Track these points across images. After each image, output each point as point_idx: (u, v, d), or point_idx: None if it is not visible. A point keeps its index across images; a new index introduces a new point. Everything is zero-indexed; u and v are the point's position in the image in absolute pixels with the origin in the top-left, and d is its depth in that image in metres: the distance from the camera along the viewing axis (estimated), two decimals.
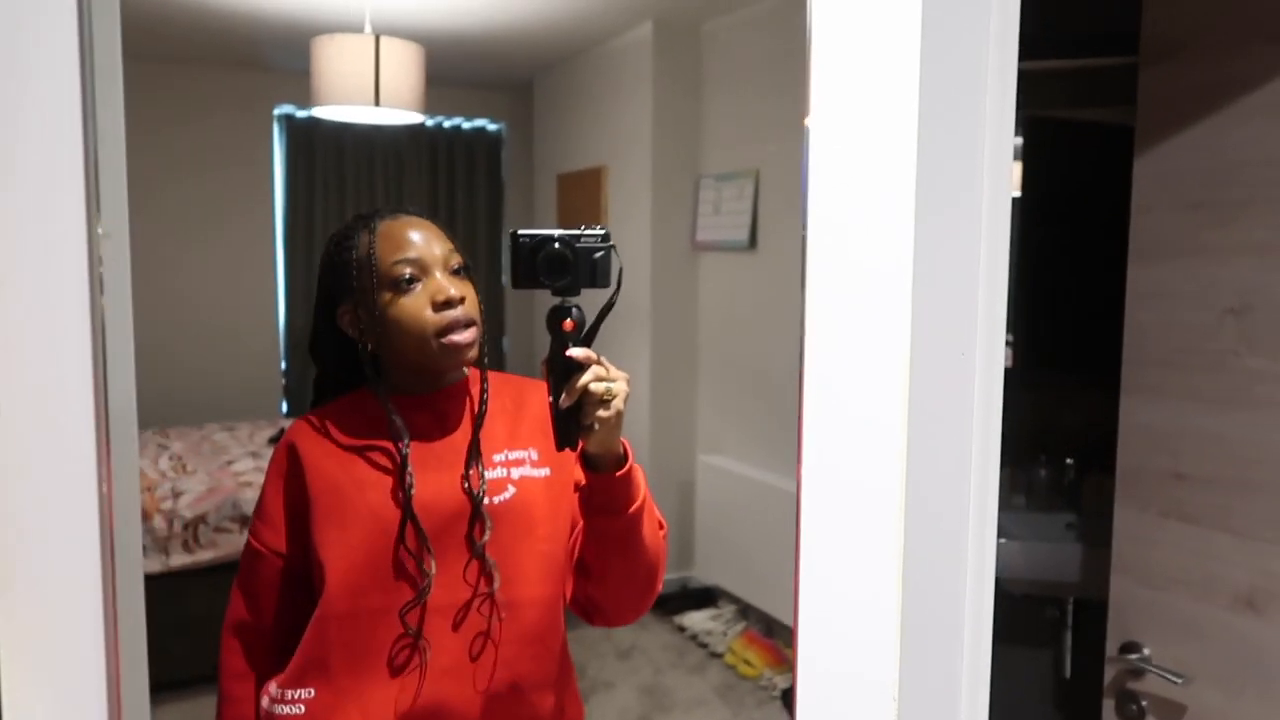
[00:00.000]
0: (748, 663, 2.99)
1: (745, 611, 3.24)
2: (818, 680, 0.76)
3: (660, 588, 1.04)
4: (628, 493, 0.92)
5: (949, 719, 0.84)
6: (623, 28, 3.54)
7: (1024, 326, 2.34)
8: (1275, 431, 1.21)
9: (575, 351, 0.85)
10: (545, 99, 4.37)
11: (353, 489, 0.94)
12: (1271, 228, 1.22)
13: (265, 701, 0.95)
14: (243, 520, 2.86)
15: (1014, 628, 2.36)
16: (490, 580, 0.95)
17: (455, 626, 0.94)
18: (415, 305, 0.93)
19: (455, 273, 0.96)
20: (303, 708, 0.93)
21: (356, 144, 4.30)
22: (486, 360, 0.99)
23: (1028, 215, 2.37)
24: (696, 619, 3.28)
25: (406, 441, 0.94)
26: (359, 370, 0.98)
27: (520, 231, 0.85)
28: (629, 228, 3.60)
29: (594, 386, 0.85)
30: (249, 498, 3.02)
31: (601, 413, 0.86)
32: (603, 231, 0.87)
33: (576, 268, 0.85)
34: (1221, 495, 1.27)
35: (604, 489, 0.92)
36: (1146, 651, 1.37)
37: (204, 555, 2.83)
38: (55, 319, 0.49)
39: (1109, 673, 1.43)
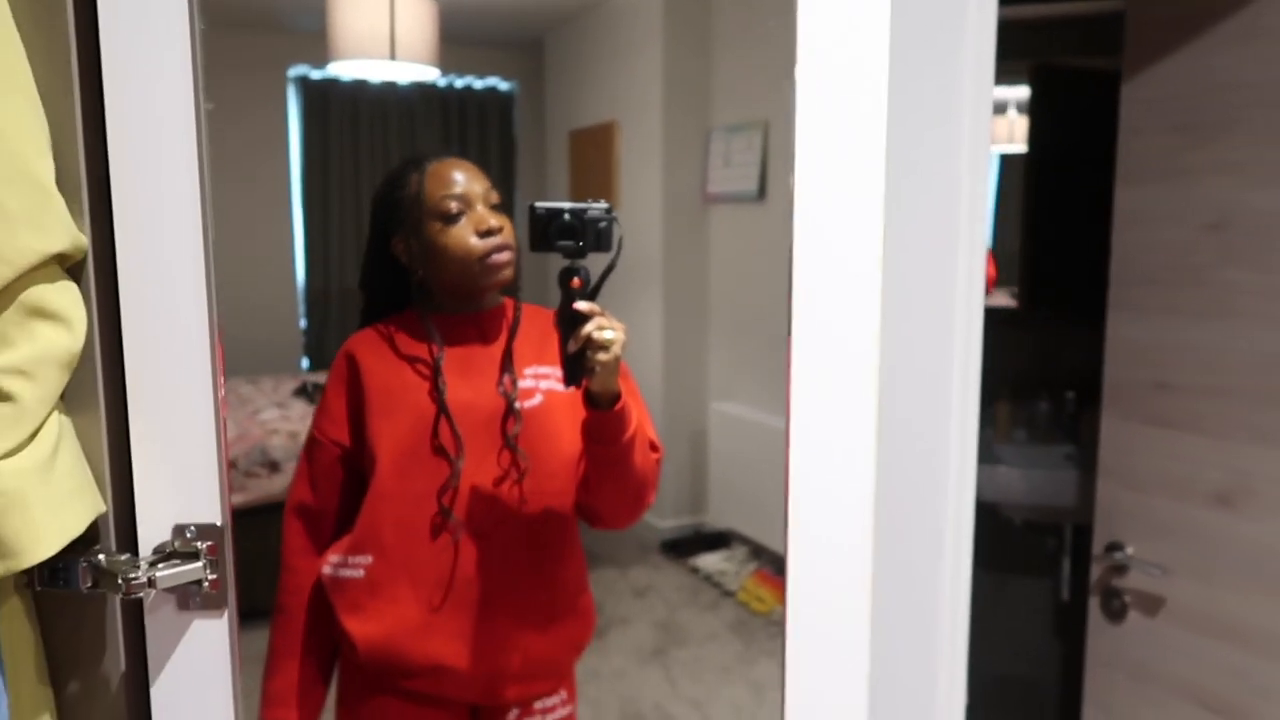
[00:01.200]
0: (759, 599, 3.13)
1: (757, 552, 3.38)
2: (804, 603, 0.86)
3: (652, 500, 1.18)
4: (620, 426, 1.07)
5: (927, 634, 0.95)
6: None
7: (1029, 270, 2.43)
8: (1247, 339, 1.31)
9: (581, 305, 1.01)
10: (556, 56, 4.45)
11: (400, 390, 1.10)
12: (1247, 147, 1.31)
13: (329, 569, 1.11)
14: (271, 466, 3.00)
15: (1016, 559, 2.47)
16: (519, 470, 1.10)
17: (487, 507, 1.10)
18: (461, 234, 1.10)
19: (494, 207, 1.12)
20: (362, 571, 1.11)
21: (370, 105, 4.39)
22: (520, 285, 1.15)
23: (1034, 163, 2.46)
24: (710, 560, 3.42)
25: (441, 349, 1.10)
26: (408, 296, 1.13)
27: (537, 205, 1.03)
28: (641, 182, 3.70)
29: (596, 334, 1.01)
30: (276, 444, 3.15)
31: (602, 356, 1.01)
32: (606, 205, 1.03)
33: (584, 235, 1.01)
34: (1198, 401, 1.38)
35: (601, 423, 1.07)
36: (1129, 550, 1.48)
37: (235, 499, 2.97)
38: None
39: (1095, 571, 1.55)
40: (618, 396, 1.06)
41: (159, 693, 0.64)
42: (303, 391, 3.50)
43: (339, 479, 1.14)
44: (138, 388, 0.62)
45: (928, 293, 1.05)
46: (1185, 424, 1.40)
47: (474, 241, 1.09)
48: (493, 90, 4.81)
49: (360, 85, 4.04)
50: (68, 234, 0.60)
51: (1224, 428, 1.35)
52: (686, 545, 3.51)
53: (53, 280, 0.60)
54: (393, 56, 3.00)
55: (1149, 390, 1.45)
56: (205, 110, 0.60)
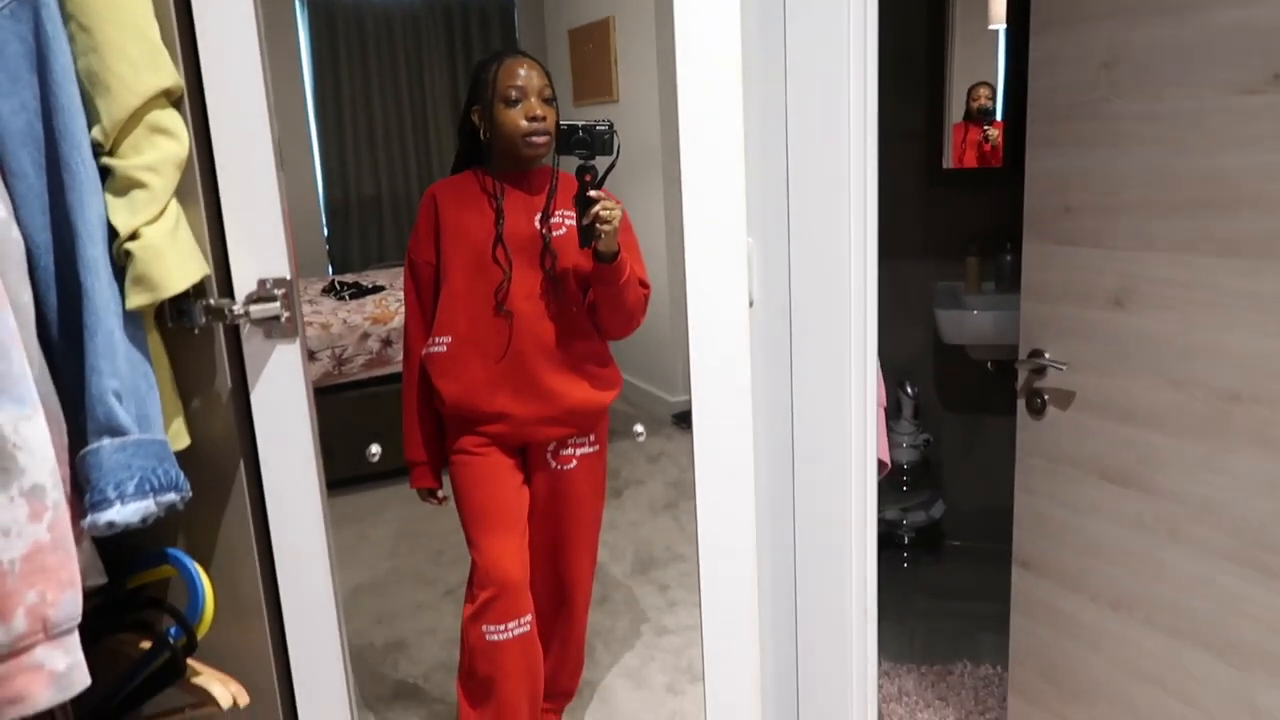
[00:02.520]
0: None
1: None
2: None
3: (640, 321, 1.70)
4: (619, 274, 1.57)
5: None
6: None
7: (1010, 128, 2.64)
8: (1132, 161, 1.56)
9: (592, 193, 1.51)
10: None
11: (468, 220, 1.62)
12: None
13: (425, 349, 1.65)
14: (309, 355, 3.33)
15: (987, 400, 2.75)
16: (550, 278, 1.62)
17: (529, 303, 1.61)
18: (514, 115, 1.58)
19: (546, 100, 1.59)
20: (445, 348, 1.62)
21: (376, 18, 4.59)
22: (557, 159, 1.63)
23: (1012, 30, 2.64)
24: None
25: (503, 193, 1.62)
26: (479, 150, 1.63)
27: (561, 122, 1.52)
28: (637, 76, 3.90)
29: (601, 212, 1.51)
30: (311, 335, 3.47)
31: (605, 227, 1.52)
32: (609, 123, 1.52)
33: (593, 144, 1.50)
34: (1097, 219, 1.63)
35: (604, 272, 1.57)
36: (1047, 355, 1.76)
37: None
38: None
39: (1020, 376, 1.83)
40: (617, 253, 1.55)
41: (257, 400, 0.95)
42: (331, 290, 3.82)
43: (434, 287, 1.65)
44: (226, 184, 0.91)
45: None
46: (1086, 240, 1.66)
47: (522, 123, 1.57)
48: None
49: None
50: (171, 74, 0.89)
51: (1116, 240, 1.60)
52: (693, 430, 3.81)
53: (163, 107, 0.88)
54: None
55: (1058, 214, 1.70)
56: None
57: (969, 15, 2.72)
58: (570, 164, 1.60)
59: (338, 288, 3.61)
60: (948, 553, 2.83)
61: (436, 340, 1.64)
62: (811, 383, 1.32)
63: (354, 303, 3.41)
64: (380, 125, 4.57)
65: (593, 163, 1.52)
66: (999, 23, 2.72)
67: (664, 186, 3.86)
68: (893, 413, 2.74)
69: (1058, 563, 1.79)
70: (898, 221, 2.60)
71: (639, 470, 3.47)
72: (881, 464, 1.56)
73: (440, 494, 1.80)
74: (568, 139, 1.50)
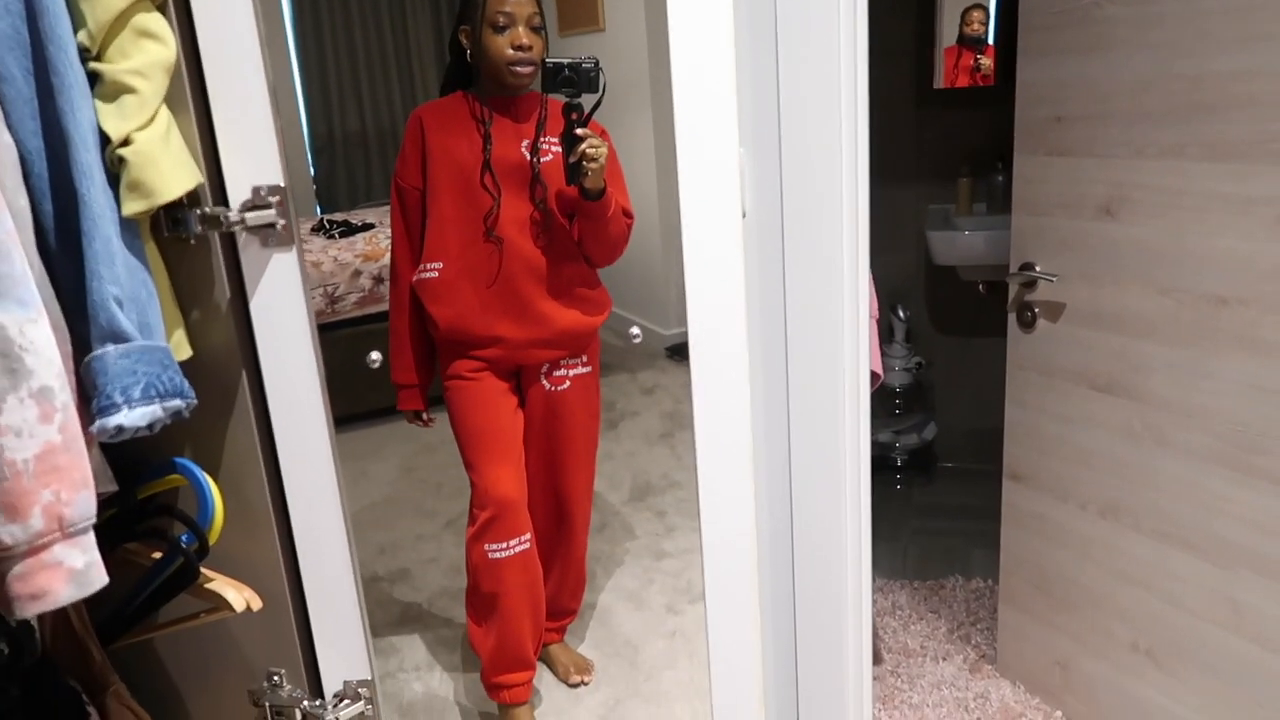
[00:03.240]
0: None
1: None
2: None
3: (624, 249, 1.72)
4: (604, 209, 1.59)
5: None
6: None
7: (1002, 45, 2.61)
8: (1123, 66, 1.56)
9: (579, 131, 1.51)
10: None
11: (455, 144, 1.60)
12: None
13: (416, 275, 1.65)
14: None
15: (978, 321, 2.78)
16: (537, 202, 1.62)
17: (517, 228, 1.61)
18: (501, 42, 1.56)
19: (534, 29, 1.57)
20: (437, 273, 1.63)
21: None
22: (545, 85, 1.58)
23: None
24: None
25: (491, 118, 1.61)
26: (466, 71, 1.62)
27: (546, 60, 1.50)
28: (624, 4, 3.83)
29: (588, 150, 1.52)
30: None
31: (591, 165, 1.53)
32: (594, 60, 1.52)
33: (579, 82, 1.49)
34: (1088, 128, 1.64)
35: (590, 208, 1.59)
36: (1037, 268, 1.77)
37: None
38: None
39: (1011, 290, 1.85)
40: (603, 190, 1.57)
41: (256, 308, 0.96)
42: (320, 228, 3.80)
43: (420, 210, 1.65)
44: (215, 92, 0.91)
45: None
46: (1077, 150, 1.66)
47: (508, 51, 1.56)
48: None
49: None
50: None
51: (1106, 148, 1.61)
52: (688, 349, 3.84)
53: (148, 10, 0.88)
54: None
55: (1049, 124, 1.70)
56: None
57: None
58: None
59: (327, 226, 3.59)
60: (940, 474, 2.89)
61: (428, 266, 1.65)
62: (804, 293, 1.34)
63: (344, 241, 3.40)
64: (363, 57, 4.50)
65: (579, 100, 1.52)
66: None
67: (653, 117, 3.82)
68: (885, 336, 2.76)
69: (1048, 473, 1.83)
70: (888, 143, 2.59)
71: (634, 402, 3.50)
72: (874, 375, 1.59)
73: (426, 415, 1.82)
74: (554, 77, 1.49)
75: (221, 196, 0.94)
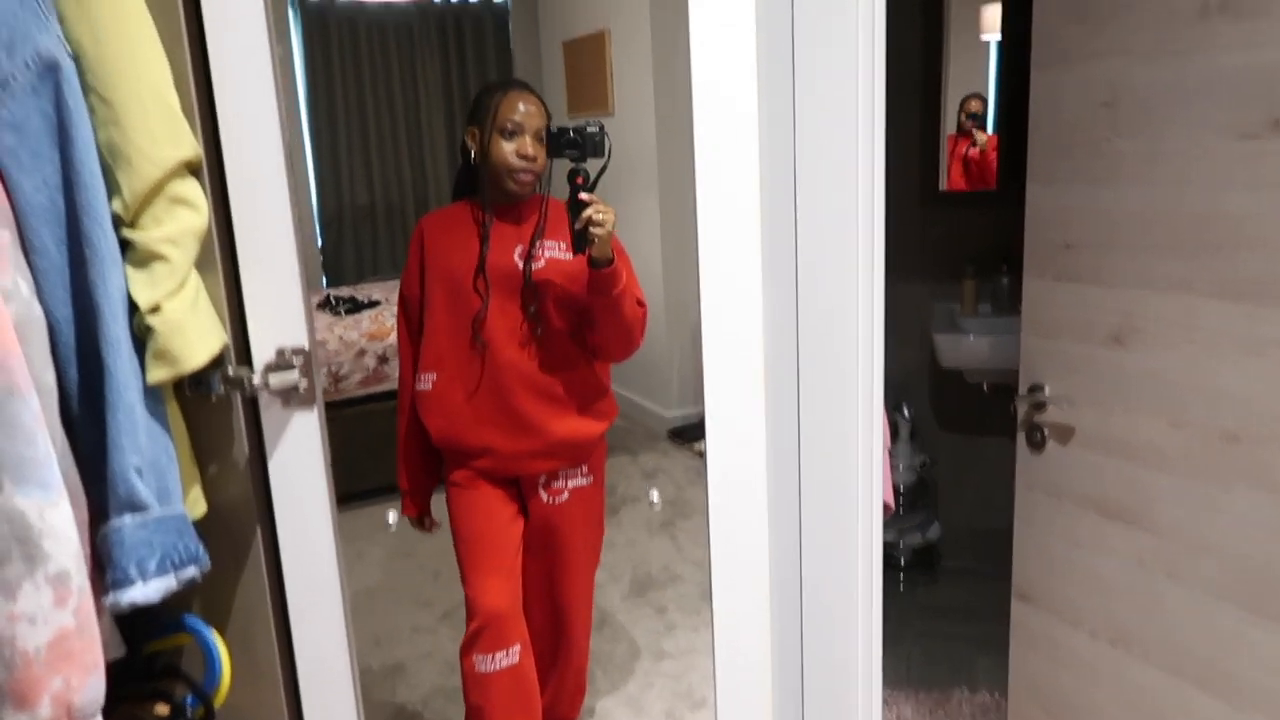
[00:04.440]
0: None
1: None
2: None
3: (639, 342, 1.66)
4: (613, 281, 1.54)
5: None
6: None
7: (1004, 150, 2.66)
8: (1131, 198, 1.57)
9: (584, 195, 1.48)
10: None
11: (452, 250, 1.61)
12: (1130, 30, 1.55)
13: (416, 384, 1.65)
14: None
15: (983, 421, 2.78)
16: (529, 310, 1.60)
17: (508, 333, 1.59)
18: (507, 149, 1.57)
19: (540, 139, 1.58)
20: (430, 384, 1.63)
21: (369, 25, 4.58)
22: (547, 190, 1.64)
23: (1008, 49, 2.66)
24: None
25: (490, 221, 1.60)
26: (472, 178, 1.64)
27: (551, 126, 1.50)
28: (632, 89, 3.89)
29: (594, 215, 1.48)
30: None
31: (598, 231, 1.49)
32: (600, 124, 1.49)
33: (584, 146, 1.47)
34: (1097, 256, 1.65)
35: (599, 279, 1.54)
36: (1047, 390, 1.77)
37: None
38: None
39: (1020, 410, 1.84)
40: (611, 260, 1.52)
41: (274, 467, 0.95)
42: (327, 304, 3.81)
43: (419, 321, 1.64)
44: (245, 253, 0.91)
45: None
46: (1086, 277, 1.67)
47: (513, 159, 1.57)
48: (488, 5, 4.98)
49: (358, 5, 4.23)
50: (191, 145, 0.89)
51: (1115, 277, 1.62)
52: (691, 431, 3.85)
53: (183, 178, 0.88)
54: None
55: (1058, 250, 1.72)
56: (276, 52, 0.87)
57: (962, 27, 2.73)
58: (561, 194, 1.59)
59: (333, 303, 3.61)
60: (944, 574, 2.86)
61: (422, 377, 1.64)
62: (819, 426, 1.33)
63: (350, 318, 3.41)
64: (374, 134, 4.56)
65: (584, 165, 1.49)
66: (991, 33, 2.73)
67: (659, 200, 3.87)
68: (889, 434, 2.76)
69: (1058, 597, 1.81)
70: (894, 241, 2.60)
71: (635, 487, 3.48)
72: (885, 506, 1.58)
73: (429, 520, 1.82)
74: (557, 141, 1.48)
75: (246, 355, 0.94)
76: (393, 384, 3.45)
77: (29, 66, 0.79)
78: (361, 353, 3.40)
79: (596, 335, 1.63)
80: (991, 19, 2.72)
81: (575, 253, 1.52)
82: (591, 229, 1.47)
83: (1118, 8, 1.57)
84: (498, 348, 1.58)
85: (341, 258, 4.52)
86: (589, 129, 1.48)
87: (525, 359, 1.60)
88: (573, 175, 1.48)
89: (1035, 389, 1.80)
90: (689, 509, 3.36)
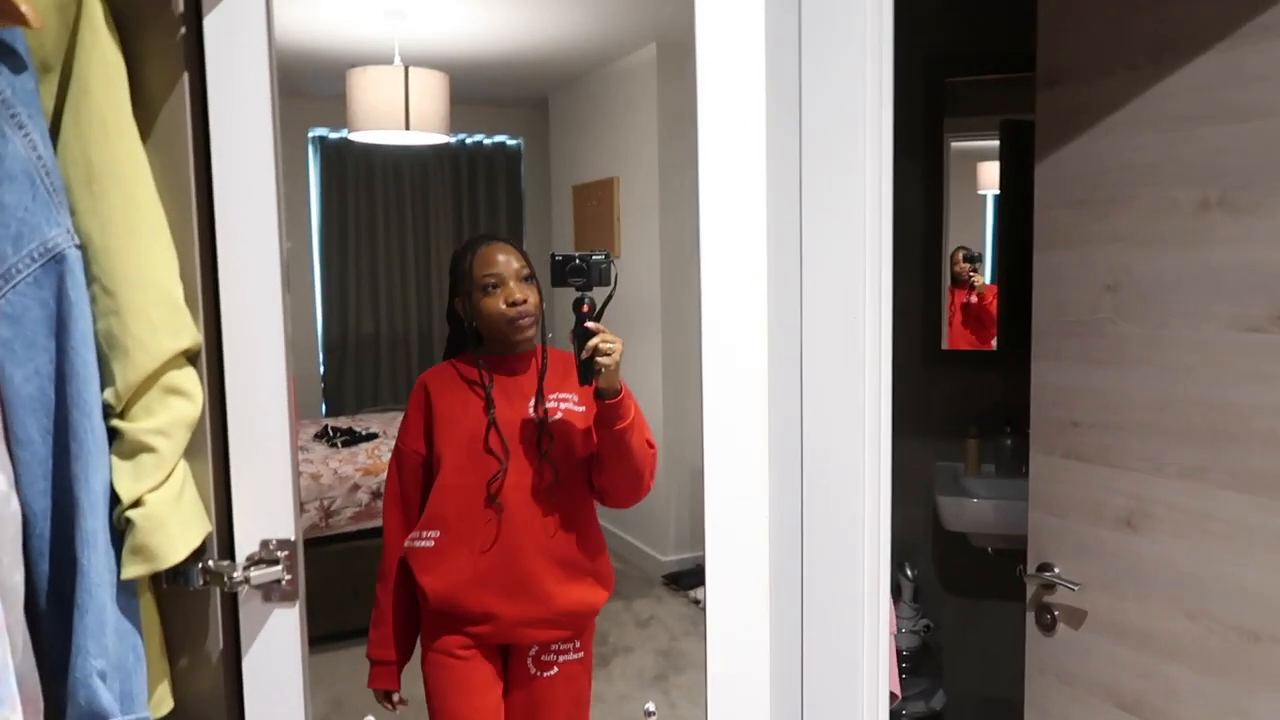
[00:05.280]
0: None
1: None
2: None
3: (649, 486, 1.61)
4: (622, 413, 1.50)
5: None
6: (629, 49, 3.95)
7: (1004, 310, 2.68)
8: (1139, 382, 1.56)
9: (590, 325, 1.45)
10: (560, 115, 4.78)
11: (459, 408, 1.56)
12: (1131, 220, 1.57)
13: (408, 541, 1.56)
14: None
15: (988, 585, 2.70)
16: (548, 467, 1.56)
17: (522, 495, 1.54)
18: (494, 302, 1.54)
19: (524, 279, 1.56)
20: (432, 542, 1.55)
21: (385, 162, 4.72)
22: (548, 335, 1.60)
23: (1006, 208, 2.71)
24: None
25: (491, 380, 1.57)
26: (464, 337, 1.61)
27: (555, 254, 1.47)
28: (640, 232, 3.98)
29: (601, 345, 1.44)
30: (301, 486, 3.42)
31: (604, 360, 1.45)
32: (605, 253, 1.48)
33: (589, 274, 1.45)
34: (1103, 437, 1.63)
35: (606, 411, 1.49)
36: (1056, 570, 1.72)
37: None
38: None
39: (1029, 589, 1.79)
40: (619, 391, 1.48)
41: (249, 663, 0.90)
42: (323, 435, 3.78)
43: (420, 477, 1.59)
44: (236, 441, 0.89)
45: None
46: (1094, 457, 1.65)
47: (503, 308, 1.53)
48: (501, 146, 5.14)
49: (376, 145, 4.34)
50: (191, 335, 0.88)
51: (1124, 460, 1.59)
52: (688, 577, 3.74)
53: (180, 367, 0.87)
54: (407, 127, 3.32)
55: (1065, 428, 1.70)
56: (285, 248, 0.88)
57: (960, 181, 2.80)
58: (564, 344, 1.56)
59: (330, 434, 3.57)
60: None
61: (423, 534, 1.57)
62: (822, 622, 1.28)
63: (346, 451, 3.37)
64: (383, 266, 4.63)
65: (589, 294, 1.46)
66: (989, 188, 2.80)
67: (662, 342, 3.89)
68: (892, 595, 2.67)
69: None
70: (897, 399, 2.59)
71: (628, 636, 3.36)
72: (892, 695, 1.50)
73: (399, 698, 1.69)
74: (562, 269, 1.45)
75: (228, 546, 0.90)
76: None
77: (34, 259, 0.79)
78: (355, 487, 3.35)
79: (604, 477, 1.57)
80: (988, 174, 2.80)
81: (582, 383, 1.48)
82: (598, 359, 1.44)
83: (1118, 196, 1.60)
84: (510, 507, 1.53)
85: (342, 386, 4.51)
86: (594, 257, 1.47)
87: (538, 519, 1.55)
88: (578, 304, 1.44)
89: (1044, 568, 1.74)
90: (683, 662, 3.23)
